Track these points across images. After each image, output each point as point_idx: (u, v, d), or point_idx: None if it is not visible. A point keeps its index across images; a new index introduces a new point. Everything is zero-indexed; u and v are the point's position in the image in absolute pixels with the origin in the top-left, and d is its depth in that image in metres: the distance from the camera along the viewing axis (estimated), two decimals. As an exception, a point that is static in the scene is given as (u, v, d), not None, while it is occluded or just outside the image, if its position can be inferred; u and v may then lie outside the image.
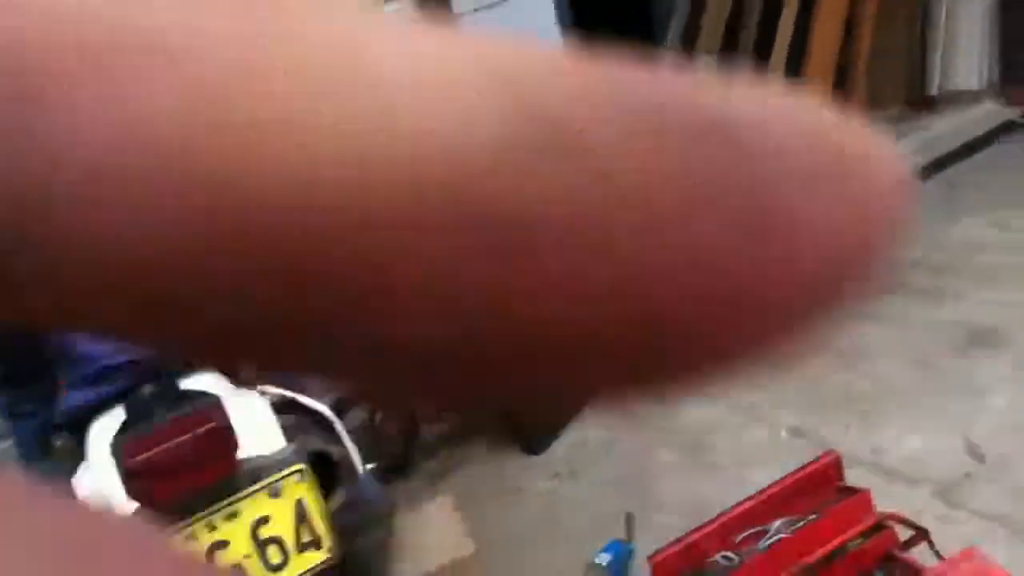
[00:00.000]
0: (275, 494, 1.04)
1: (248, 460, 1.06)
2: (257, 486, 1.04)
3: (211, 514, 1.02)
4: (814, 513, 1.93)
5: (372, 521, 1.87)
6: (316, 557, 1.06)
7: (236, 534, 1.02)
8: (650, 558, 1.93)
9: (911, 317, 2.96)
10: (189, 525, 1.02)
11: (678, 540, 1.94)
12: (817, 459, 2.01)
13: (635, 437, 2.88)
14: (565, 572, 2.33)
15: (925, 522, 2.08)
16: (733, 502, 2.01)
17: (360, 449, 3.08)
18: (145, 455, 1.00)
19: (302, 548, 1.05)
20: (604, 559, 2.30)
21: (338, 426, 1.34)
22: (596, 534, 2.41)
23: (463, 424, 3.25)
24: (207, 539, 1.02)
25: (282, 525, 1.04)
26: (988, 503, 2.09)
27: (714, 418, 2.82)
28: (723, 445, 2.68)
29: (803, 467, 2.01)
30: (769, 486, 2.00)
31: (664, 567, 1.91)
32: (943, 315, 2.91)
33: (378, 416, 3.06)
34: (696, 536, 1.94)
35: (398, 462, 3.14)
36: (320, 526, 1.07)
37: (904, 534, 1.90)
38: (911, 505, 2.15)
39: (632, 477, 2.68)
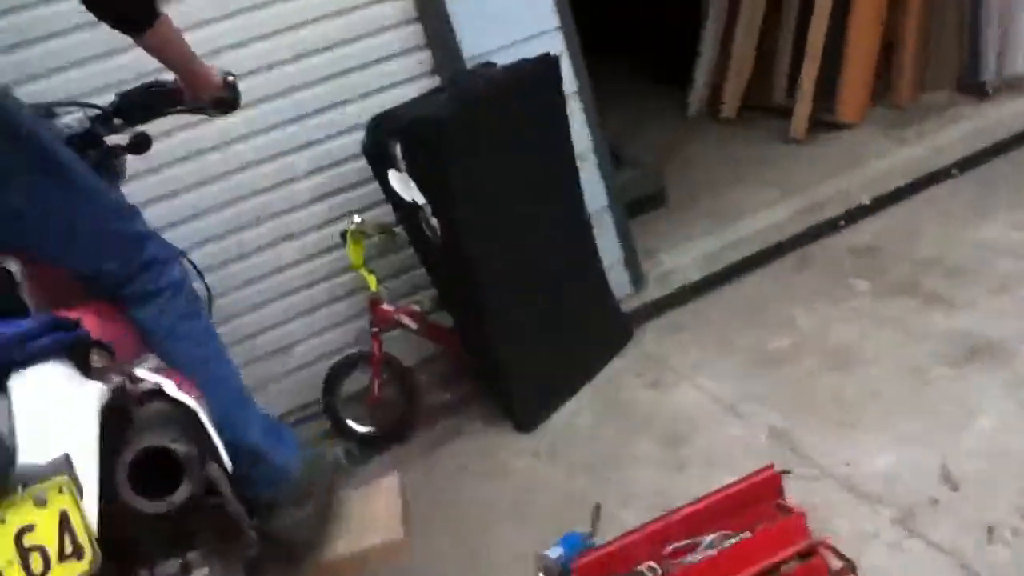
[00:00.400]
0: (40, 503, 1.08)
1: (21, 468, 1.10)
2: (23, 494, 1.08)
3: None
4: (748, 530, 1.87)
5: (292, 501, 1.89)
6: (77, 567, 1.10)
7: (0, 540, 1.06)
8: (574, 562, 1.90)
9: (914, 322, 2.82)
10: None
11: (603, 545, 1.91)
12: (756, 473, 1.94)
13: (619, 424, 2.84)
14: (524, 553, 2.30)
15: (875, 549, 1.99)
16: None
17: (359, 414, 3.13)
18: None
19: (63, 558, 1.09)
20: (556, 552, 2.28)
21: (203, 417, 1.35)
22: (561, 519, 2.39)
23: (462, 396, 3.26)
24: None
25: (45, 534, 1.08)
26: (947, 536, 1.97)
27: (698, 410, 2.75)
28: (700, 442, 2.61)
29: (741, 480, 1.94)
30: (707, 495, 1.95)
31: (588, 571, 1.88)
32: (948, 323, 2.75)
33: (378, 383, 3.07)
34: (624, 542, 1.90)
35: (396, 428, 3.16)
36: (83, 537, 1.10)
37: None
38: (867, 527, 2.05)
39: (606, 465, 2.64)
